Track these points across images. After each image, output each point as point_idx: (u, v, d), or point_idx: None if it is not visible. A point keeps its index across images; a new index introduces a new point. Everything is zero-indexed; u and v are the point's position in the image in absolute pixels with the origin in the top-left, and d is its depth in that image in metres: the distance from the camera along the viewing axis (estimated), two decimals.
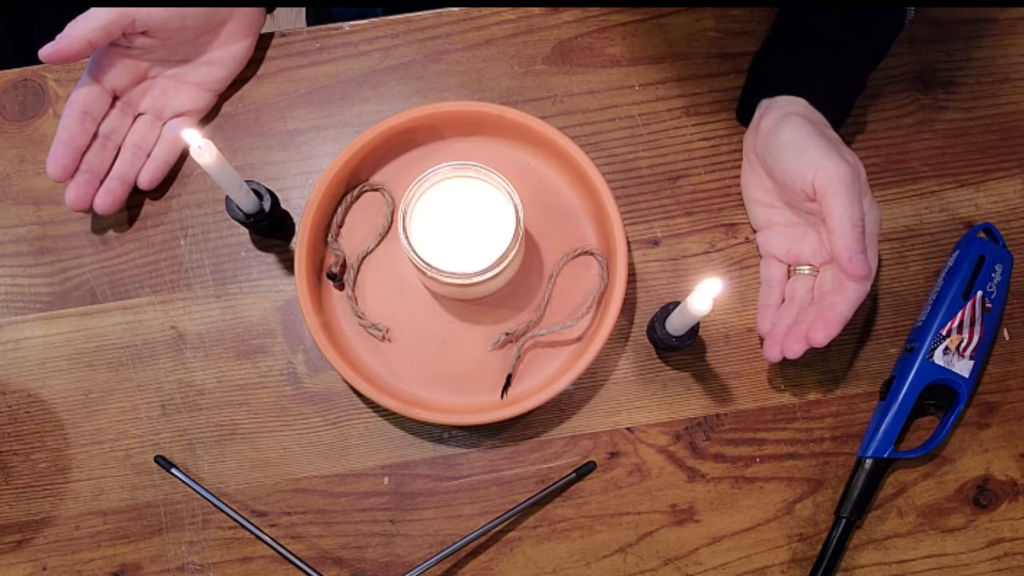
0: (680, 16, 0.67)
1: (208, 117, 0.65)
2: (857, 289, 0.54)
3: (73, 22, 0.57)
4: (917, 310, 0.63)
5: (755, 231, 0.63)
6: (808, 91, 0.59)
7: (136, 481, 0.61)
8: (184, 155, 0.64)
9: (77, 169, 0.60)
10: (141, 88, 0.62)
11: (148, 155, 0.63)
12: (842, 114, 0.61)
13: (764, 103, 0.61)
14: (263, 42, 0.66)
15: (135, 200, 0.64)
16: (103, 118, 0.61)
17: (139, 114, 0.63)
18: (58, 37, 0.56)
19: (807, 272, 0.59)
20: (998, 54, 0.67)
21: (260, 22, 0.65)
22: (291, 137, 0.66)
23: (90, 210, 0.61)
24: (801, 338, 0.55)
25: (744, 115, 0.64)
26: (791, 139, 0.56)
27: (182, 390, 0.62)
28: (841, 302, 0.54)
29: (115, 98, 0.62)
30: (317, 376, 0.62)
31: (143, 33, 0.59)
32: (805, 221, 0.59)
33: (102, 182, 0.61)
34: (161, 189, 0.64)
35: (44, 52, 0.56)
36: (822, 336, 0.54)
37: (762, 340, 0.60)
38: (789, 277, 0.61)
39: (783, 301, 0.60)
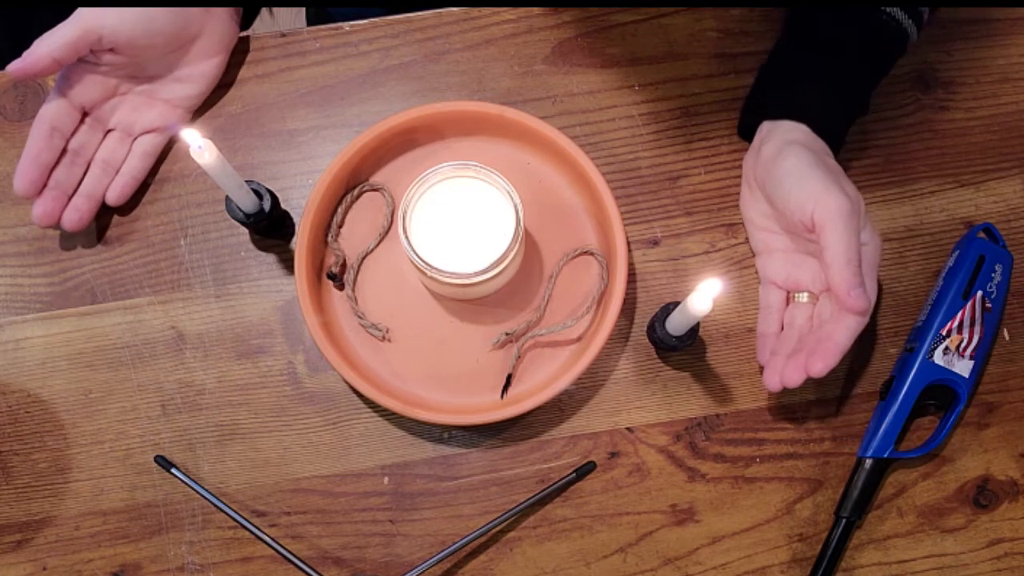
0: (680, 16, 0.67)
1: (208, 117, 0.65)
2: (856, 320, 0.54)
3: (40, 39, 0.57)
4: (917, 310, 0.63)
5: (754, 255, 0.63)
6: (810, 118, 0.58)
7: (136, 481, 0.61)
8: (156, 165, 0.64)
9: (45, 185, 0.59)
10: (111, 104, 0.62)
11: (117, 171, 0.62)
12: (842, 139, 0.61)
13: (766, 126, 0.60)
14: (263, 42, 0.66)
15: (134, 200, 0.64)
16: (72, 134, 0.60)
17: (109, 130, 0.62)
18: (25, 54, 0.56)
19: (806, 299, 0.59)
20: (998, 54, 0.67)
21: (232, 38, 0.64)
22: (291, 137, 0.66)
23: (56, 227, 0.61)
24: (800, 368, 0.55)
25: (745, 131, 0.64)
26: (792, 169, 0.55)
27: (182, 390, 0.62)
28: (840, 332, 0.54)
29: (84, 114, 0.61)
30: (317, 376, 0.62)
31: (111, 50, 0.59)
32: (805, 248, 0.59)
33: (70, 198, 0.61)
34: (131, 203, 0.64)
35: (11, 68, 0.56)
36: (821, 367, 0.54)
37: (761, 368, 0.59)
38: (788, 303, 0.61)
39: (782, 328, 0.60)
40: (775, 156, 0.57)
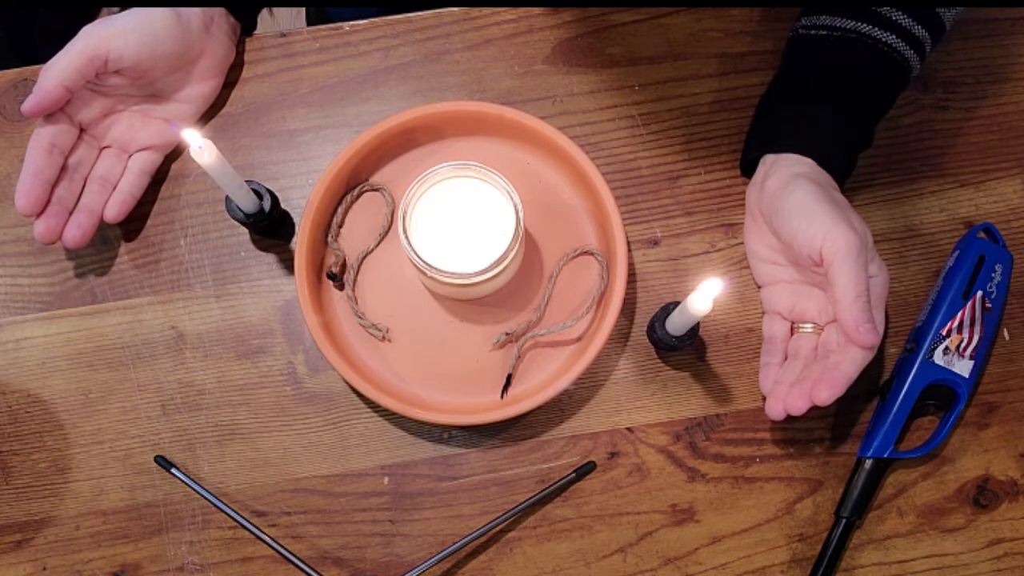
0: (680, 16, 0.67)
1: (208, 117, 0.66)
2: (864, 353, 0.54)
3: (45, 68, 0.56)
4: (917, 310, 0.63)
5: (759, 287, 0.63)
6: (817, 152, 0.58)
7: (136, 481, 0.61)
8: (153, 183, 0.64)
9: (47, 202, 0.59)
10: (107, 121, 0.62)
11: (114, 187, 0.62)
12: (848, 172, 0.61)
13: (769, 159, 0.60)
14: (263, 42, 0.67)
15: None
16: (70, 151, 0.60)
17: (104, 146, 0.62)
18: (35, 89, 0.56)
19: (810, 330, 0.59)
20: (998, 54, 0.67)
21: (229, 60, 0.65)
22: (291, 137, 0.66)
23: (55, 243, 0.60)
24: (805, 395, 0.54)
25: (747, 167, 0.63)
26: (799, 204, 0.55)
27: (182, 390, 0.62)
28: (847, 363, 0.54)
29: (81, 130, 0.61)
30: (317, 376, 0.62)
31: (116, 72, 0.59)
32: (810, 279, 0.59)
33: (69, 214, 0.60)
34: (133, 211, 0.63)
35: (26, 108, 0.56)
36: (827, 395, 0.53)
37: (764, 398, 0.59)
38: (792, 334, 0.60)
39: (785, 359, 0.60)
40: (781, 190, 0.56)
